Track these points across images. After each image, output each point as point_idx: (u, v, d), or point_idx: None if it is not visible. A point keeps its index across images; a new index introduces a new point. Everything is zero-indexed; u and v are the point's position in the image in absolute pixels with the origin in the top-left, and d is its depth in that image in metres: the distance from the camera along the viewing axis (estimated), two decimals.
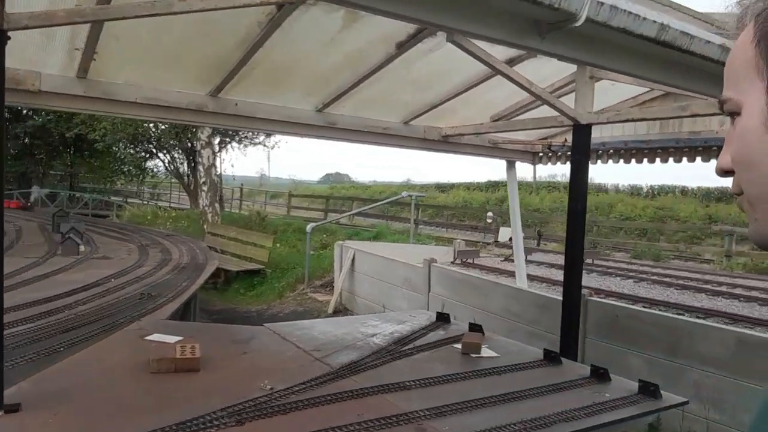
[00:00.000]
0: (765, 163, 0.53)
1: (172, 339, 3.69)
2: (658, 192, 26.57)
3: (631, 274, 11.56)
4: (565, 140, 6.13)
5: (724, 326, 5.03)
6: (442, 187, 34.80)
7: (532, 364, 3.64)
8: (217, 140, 19.62)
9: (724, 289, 10.29)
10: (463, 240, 13.97)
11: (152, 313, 4.36)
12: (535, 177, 35.81)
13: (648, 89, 4.98)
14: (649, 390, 3.24)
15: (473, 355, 3.72)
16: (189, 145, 16.99)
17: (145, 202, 20.64)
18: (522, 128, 5.05)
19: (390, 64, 4.17)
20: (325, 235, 13.10)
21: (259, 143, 20.16)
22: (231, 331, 3.99)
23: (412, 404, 2.80)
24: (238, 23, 3.55)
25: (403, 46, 3.91)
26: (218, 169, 14.67)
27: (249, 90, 4.52)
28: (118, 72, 4.08)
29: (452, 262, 10.04)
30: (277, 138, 20.43)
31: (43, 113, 19.22)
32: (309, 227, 10.32)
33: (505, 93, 4.98)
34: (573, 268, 4.43)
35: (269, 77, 4.41)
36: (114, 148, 19.08)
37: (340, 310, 8.91)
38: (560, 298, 5.74)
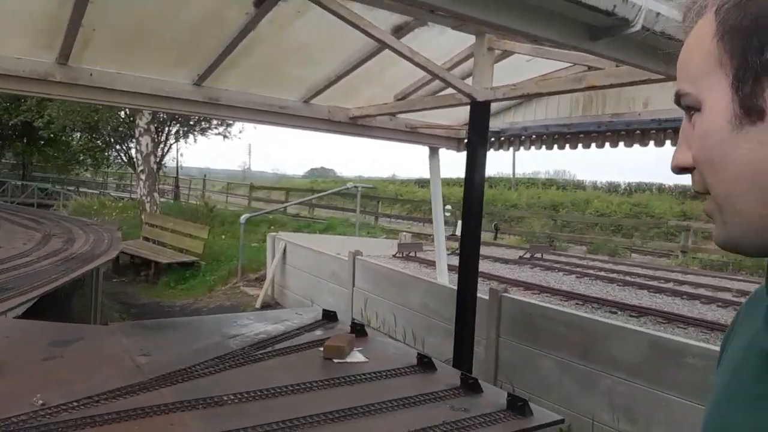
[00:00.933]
0: (733, 162, 0.51)
1: None
2: (635, 189, 26.71)
3: (577, 269, 11.16)
4: None
5: (639, 328, 4.59)
6: (422, 183, 34.60)
7: (400, 371, 3.15)
8: (174, 129, 18.97)
9: (669, 285, 9.91)
10: (417, 233, 13.48)
11: None
12: (514, 173, 35.68)
13: (570, 64, 4.50)
14: (517, 406, 2.76)
15: (336, 361, 3.22)
16: (156, 135, 16.26)
17: (98, 192, 19.96)
18: (422, 107, 4.55)
19: (257, 28, 3.64)
20: (272, 227, 12.56)
21: (219, 134, 19.53)
22: (59, 330, 3.44)
23: (211, 425, 2.29)
24: None
25: (261, 4, 3.38)
26: (157, 158, 14.01)
27: (104, 58, 3.97)
28: None
29: (394, 256, 9.56)
30: (238, 127, 19.78)
31: None
32: (243, 218, 9.79)
33: (407, 68, 4.48)
34: (468, 265, 3.96)
35: (122, 43, 3.86)
36: (67, 136, 18.32)
37: (270, 305, 8.40)
38: (482, 295, 5.30)
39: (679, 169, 0.57)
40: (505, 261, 11.56)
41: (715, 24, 0.52)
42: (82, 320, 6.84)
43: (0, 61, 3.74)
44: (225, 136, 19.58)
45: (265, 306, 8.19)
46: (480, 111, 3.82)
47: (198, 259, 10.23)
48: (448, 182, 32.89)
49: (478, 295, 5.36)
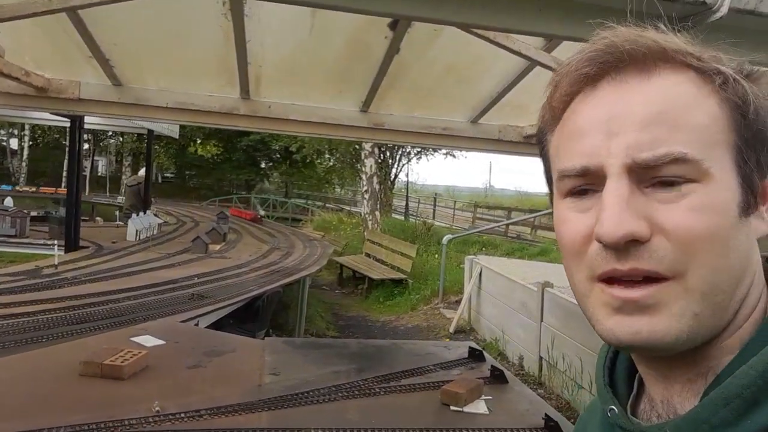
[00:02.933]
0: (734, 250, 0.48)
1: (151, 342, 3.64)
2: None
3: None
4: None
5: None
6: None
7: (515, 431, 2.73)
8: (405, 150, 20.08)
9: None
10: None
11: (181, 313, 4.40)
12: None
13: None
14: None
15: (453, 408, 2.93)
16: (381, 156, 17.64)
17: (338, 209, 22.19)
18: None
19: (401, 50, 3.58)
20: (484, 249, 12.33)
21: (447, 153, 20.09)
22: (220, 341, 3.80)
23: None
24: (206, 23, 3.40)
25: (396, 26, 3.31)
26: (379, 178, 14.85)
27: (277, 91, 4.32)
28: (146, 78, 4.23)
29: None
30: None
31: None
32: (445, 239, 9.76)
33: None
34: None
35: (288, 76, 4.16)
36: (316, 159, 20.88)
37: (464, 331, 8.20)
38: None
39: (627, 239, 0.47)
40: None
41: (718, 95, 0.49)
42: (291, 331, 7.54)
43: (197, 98, 4.34)
44: (451, 155, 20.09)
45: (458, 331, 8.03)
46: None
47: (406, 277, 10.56)
48: None
49: None
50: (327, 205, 23.19)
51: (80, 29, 3.43)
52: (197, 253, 7.48)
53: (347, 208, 22.87)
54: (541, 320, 6.28)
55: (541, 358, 6.34)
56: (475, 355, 3.80)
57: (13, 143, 27.56)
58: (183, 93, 4.30)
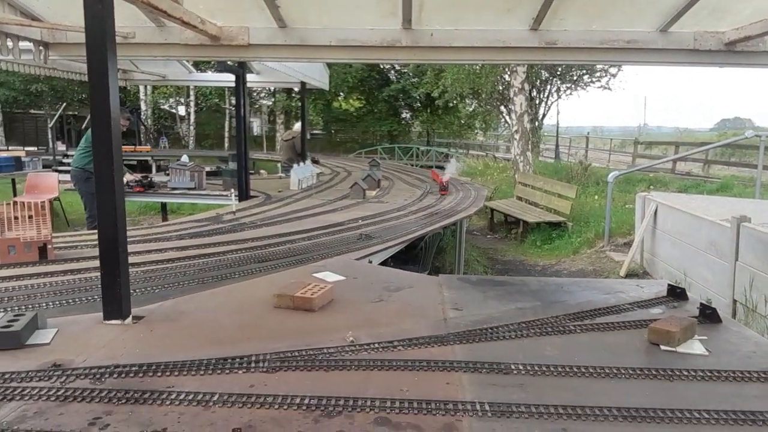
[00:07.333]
0: None
1: (332, 278, 3.72)
2: None
3: None
4: None
5: None
6: None
7: (750, 375, 2.36)
8: (554, 87, 18.88)
9: None
10: None
11: (353, 252, 4.47)
12: None
13: None
14: None
15: (663, 348, 2.62)
16: (529, 94, 16.69)
17: (484, 154, 21.57)
18: None
19: None
20: (652, 187, 11.24)
21: (601, 86, 18.51)
22: (397, 277, 3.78)
23: (485, 393, 2.13)
24: None
25: None
26: (529, 116, 13.97)
27: (440, 16, 4.09)
28: (309, 17, 4.20)
29: None
30: (620, 79, 18.37)
31: (402, 78, 21.86)
32: (611, 176, 8.96)
33: None
34: None
35: None
36: (459, 104, 20.38)
37: (637, 274, 7.56)
38: None
39: None
40: None
41: None
42: (451, 270, 7.49)
43: (358, 34, 4.26)
44: (607, 89, 18.48)
45: (630, 274, 7.41)
46: None
47: (565, 219, 9.97)
48: None
49: None
50: (470, 151, 22.73)
51: None
52: (356, 198, 7.64)
53: (491, 153, 22.22)
54: (736, 259, 5.54)
55: (735, 301, 5.63)
56: (676, 293, 3.39)
57: (181, 110, 30.41)
58: (344, 29, 4.23)
